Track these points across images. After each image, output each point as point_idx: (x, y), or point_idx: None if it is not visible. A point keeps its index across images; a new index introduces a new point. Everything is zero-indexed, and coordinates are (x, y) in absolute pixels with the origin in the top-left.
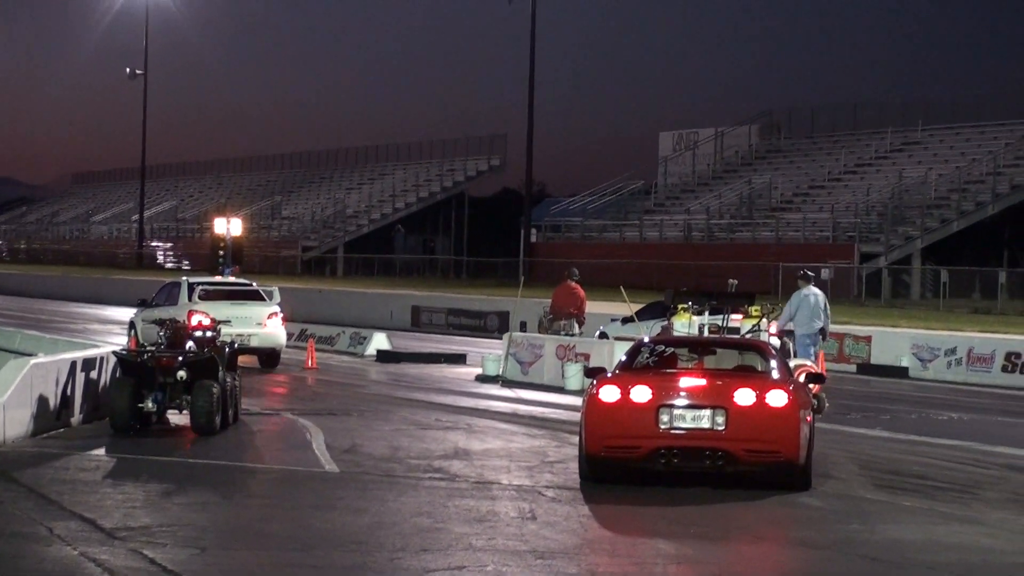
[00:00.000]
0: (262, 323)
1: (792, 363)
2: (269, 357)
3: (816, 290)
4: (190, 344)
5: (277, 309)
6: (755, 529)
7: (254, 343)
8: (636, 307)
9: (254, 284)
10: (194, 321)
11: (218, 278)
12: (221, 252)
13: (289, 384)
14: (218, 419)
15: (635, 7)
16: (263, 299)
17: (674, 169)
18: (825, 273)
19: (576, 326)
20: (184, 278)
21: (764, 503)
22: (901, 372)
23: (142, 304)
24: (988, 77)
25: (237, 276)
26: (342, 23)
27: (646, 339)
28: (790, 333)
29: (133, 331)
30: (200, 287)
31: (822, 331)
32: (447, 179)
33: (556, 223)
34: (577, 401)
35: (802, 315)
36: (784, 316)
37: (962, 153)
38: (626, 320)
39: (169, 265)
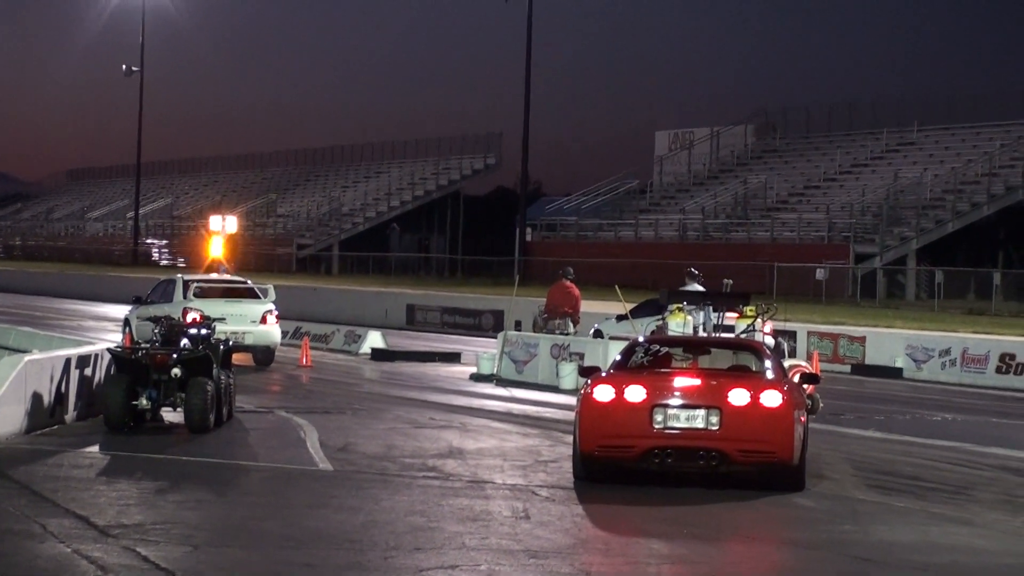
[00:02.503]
0: (257, 321)
1: (787, 363)
2: (264, 355)
3: (699, 287)
4: (185, 341)
5: (272, 307)
6: (749, 529)
7: (249, 341)
8: (631, 306)
9: (249, 282)
10: (189, 318)
11: (214, 275)
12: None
13: (283, 382)
14: (212, 417)
15: (631, 6)
16: (258, 297)
17: (670, 168)
18: (820, 273)
19: (571, 325)
20: (179, 275)
21: (758, 503)
22: (895, 373)
23: (137, 301)
24: (984, 78)
25: (225, 273)
26: (338, 21)
27: (641, 338)
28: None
29: (128, 328)
30: (195, 284)
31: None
32: (442, 177)
33: (551, 222)
34: (571, 400)
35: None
36: None
37: (957, 154)
38: (620, 317)
39: (164, 262)
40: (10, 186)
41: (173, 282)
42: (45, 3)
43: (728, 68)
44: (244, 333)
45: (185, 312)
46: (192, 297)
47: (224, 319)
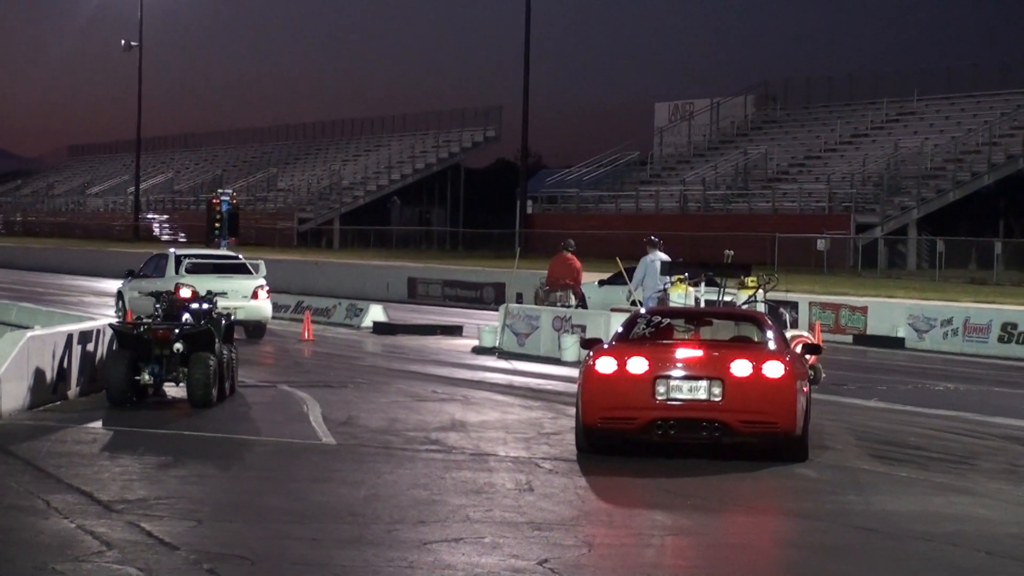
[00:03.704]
0: (249, 296)
1: (789, 334)
2: (255, 329)
3: (662, 255)
4: (187, 316)
5: (263, 283)
6: (752, 500)
7: (241, 316)
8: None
9: (241, 257)
10: (181, 294)
11: (205, 250)
12: (217, 224)
13: (285, 356)
14: (215, 391)
15: None
16: (250, 272)
17: (670, 140)
18: (821, 244)
19: (572, 297)
20: (172, 250)
21: (761, 474)
22: (897, 343)
23: (130, 275)
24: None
25: (232, 248)
26: None
27: (642, 310)
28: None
29: (121, 301)
30: (187, 260)
31: (664, 289)
32: (443, 150)
33: (552, 194)
34: (573, 372)
35: (650, 279)
36: (635, 280)
37: (958, 123)
38: (602, 282)
39: (165, 237)
40: (10, 162)
41: (165, 257)
42: None
43: (728, 39)
44: (236, 308)
45: (178, 287)
46: (184, 272)
47: (225, 293)
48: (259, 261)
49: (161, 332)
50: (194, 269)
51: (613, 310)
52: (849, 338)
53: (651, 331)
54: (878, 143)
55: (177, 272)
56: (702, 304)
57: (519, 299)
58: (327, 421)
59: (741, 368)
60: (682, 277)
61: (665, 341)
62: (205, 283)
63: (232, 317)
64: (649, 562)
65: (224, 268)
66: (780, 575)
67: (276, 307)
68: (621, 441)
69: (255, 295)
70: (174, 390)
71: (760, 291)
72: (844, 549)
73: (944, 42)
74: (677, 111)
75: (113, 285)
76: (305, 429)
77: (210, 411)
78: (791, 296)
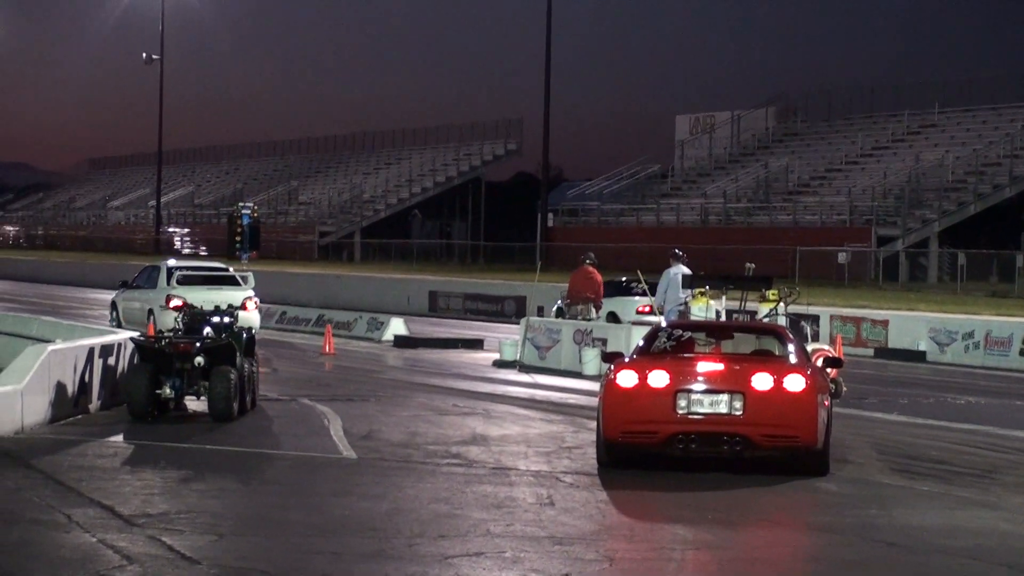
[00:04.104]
0: (238, 307)
1: (810, 347)
2: None
3: (684, 268)
4: (208, 330)
5: (252, 294)
6: (773, 514)
7: None
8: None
9: (231, 269)
10: (171, 305)
11: (196, 262)
12: (238, 237)
13: (306, 370)
14: (236, 405)
15: None
16: (239, 284)
17: (691, 153)
18: (842, 257)
19: (593, 311)
20: (164, 262)
21: (782, 488)
22: (919, 356)
23: (123, 285)
24: (1005, 59)
25: (252, 261)
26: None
27: (663, 323)
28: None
29: (115, 311)
30: (178, 271)
31: (685, 303)
32: (463, 164)
33: (573, 207)
34: (594, 386)
35: (672, 292)
36: (659, 293)
37: (979, 136)
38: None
39: (187, 250)
40: (32, 176)
41: (158, 268)
42: None
43: (749, 52)
44: None
45: (168, 299)
46: (175, 284)
47: (245, 306)
48: (248, 273)
49: (182, 346)
50: (185, 281)
51: (635, 323)
52: (870, 351)
53: (672, 345)
54: (899, 156)
55: (168, 284)
56: (723, 317)
57: (540, 312)
58: (348, 435)
59: (762, 382)
60: (703, 290)
61: (686, 355)
62: (196, 294)
63: (254, 331)
64: None
65: (214, 280)
66: None
67: (297, 321)
68: (642, 455)
69: (244, 306)
70: (195, 404)
71: (781, 304)
72: (865, 563)
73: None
74: (698, 124)
75: None
76: (326, 443)
77: (231, 425)
78: (812, 309)
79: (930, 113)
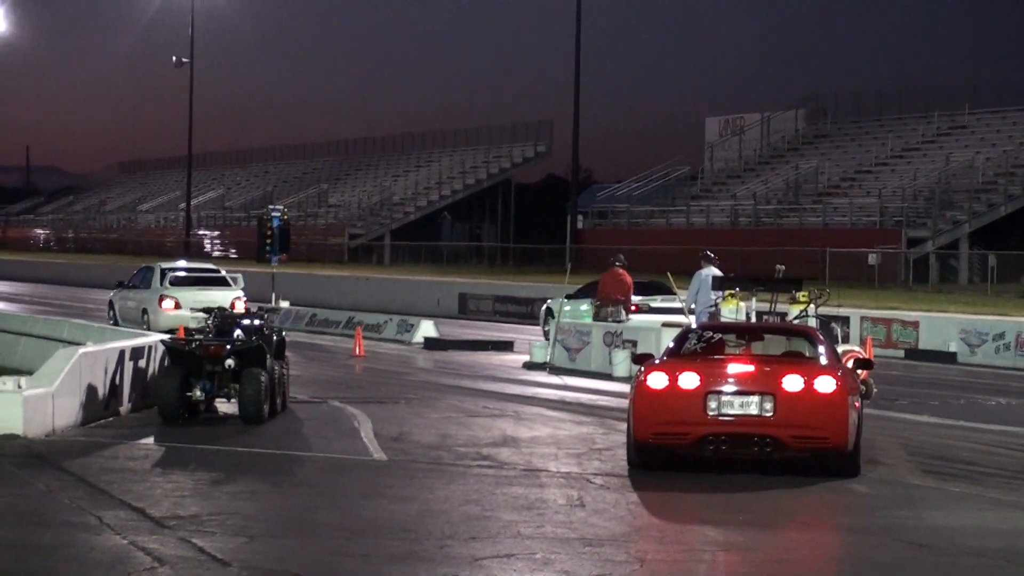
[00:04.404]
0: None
1: (840, 349)
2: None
3: (715, 270)
4: (238, 332)
5: (241, 294)
6: (803, 515)
7: None
8: (683, 293)
9: (222, 271)
10: (164, 305)
11: (189, 264)
12: (268, 240)
13: (337, 372)
14: (266, 407)
15: None
16: (229, 284)
17: (720, 154)
18: (872, 258)
19: (623, 313)
20: (158, 264)
21: (812, 489)
22: (949, 357)
23: (120, 285)
24: None
25: (282, 263)
26: (387, 10)
27: (694, 325)
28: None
29: (112, 310)
30: (171, 272)
31: (715, 304)
32: (493, 166)
33: (602, 209)
34: (624, 388)
35: (703, 294)
36: (690, 295)
37: (1009, 136)
38: (569, 296)
39: (216, 253)
40: (62, 179)
41: (152, 269)
42: None
43: (778, 54)
44: None
45: (161, 298)
46: (168, 284)
47: (279, 310)
48: (238, 274)
49: (213, 348)
50: (177, 282)
51: (664, 325)
52: (901, 353)
53: (702, 346)
54: (929, 157)
55: (162, 284)
56: (753, 319)
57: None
58: (378, 437)
59: (793, 383)
60: (733, 292)
61: (716, 356)
62: (187, 295)
63: (284, 334)
64: None
65: (205, 281)
66: None
67: (327, 323)
68: (672, 456)
69: (232, 306)
70: (225, 406)
71: (811, 306)
72: (896, 565)
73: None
74: (728, 126)
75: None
76: (356, 445)
77: (261, 427)
78: (842, 311)
79: (960, 114)
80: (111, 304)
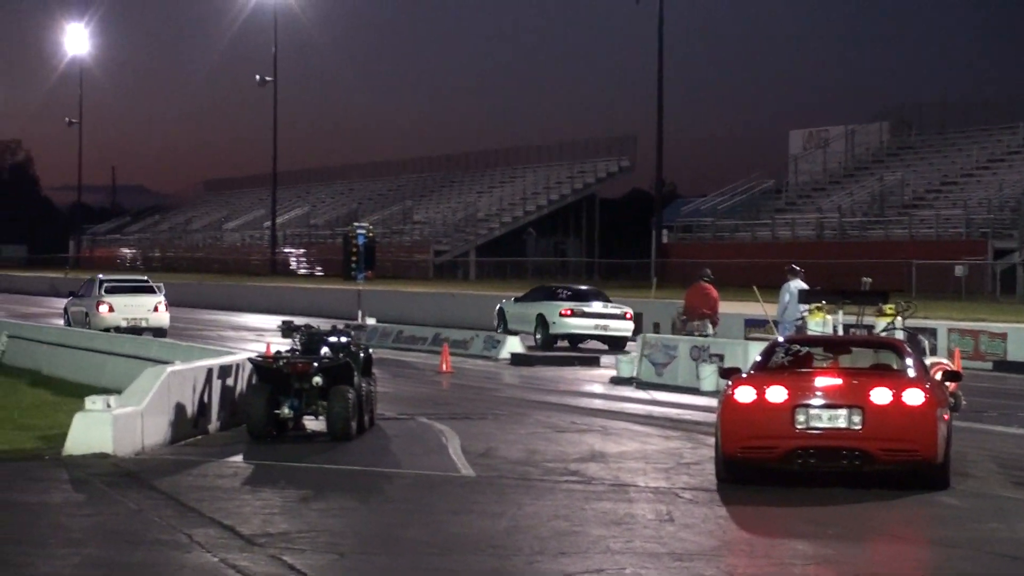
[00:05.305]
0: (151, 309)
1: (928, 361)
2: (157, 334)
3: (802, 283)
4: (325, 350)
5: (163, 299)
6: (893, 529)
7: (147, 324)
8: (770, 307)
9: (148, 280)
10: (101, 309)
11: (122, 276)
12: (354, 257)
13: (424, 388)
14: (354, 424)
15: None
16: (154, 292)
17: (804, 167)
18: (959, 270)
19: (710, 327)
20: (99, 275)
21: (902, 502)
22: None
23: (71, 295)
24: None
25: (368, 280)
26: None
27: (780, 339)
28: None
29: (67, 316)
30: (107, 283)
31: (802, 318)
32: (577, 181)
33: (687, 223)
34: (712, 402)
35: (792, 308)
36: (780, 307)
37: None
38: (518, 299)
39: (302, 271)
40: (149, 198)
41: (94, 281)
42: (177, 16)
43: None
44: (144, 319)
45: (98, 304)
46: (104, 292)
47: (364, 327)
48: (160, 284)
49: (300, 366)
50: (112, 290)
51: (749, 338)
52: (989, 364)
53: (790, 360)
54: (1015, 168)
55: (100, 292)
56: (840, 332)
57: (656, 329)
58: (466, 453)
59: (881, 396)
60: (820, 305)
61: (804, 370)
62: (119, 300)
63: (371, 351)
64: None
65: (134, 289)
66: None
67: (413, 340)
68: (761, 470)
69: (156, 309)
70: (313, 423)
71: (898, 318)
72: None
73: None
74: (812, 138)
75: (252, 319)
76: (444, 461)
77: (350, 444)
78: (929, 323)
79: None
80: (66, 310)
